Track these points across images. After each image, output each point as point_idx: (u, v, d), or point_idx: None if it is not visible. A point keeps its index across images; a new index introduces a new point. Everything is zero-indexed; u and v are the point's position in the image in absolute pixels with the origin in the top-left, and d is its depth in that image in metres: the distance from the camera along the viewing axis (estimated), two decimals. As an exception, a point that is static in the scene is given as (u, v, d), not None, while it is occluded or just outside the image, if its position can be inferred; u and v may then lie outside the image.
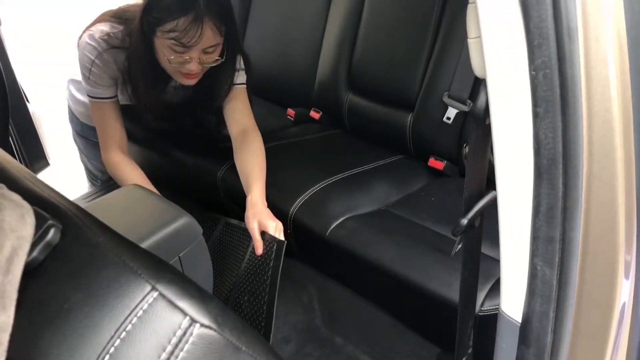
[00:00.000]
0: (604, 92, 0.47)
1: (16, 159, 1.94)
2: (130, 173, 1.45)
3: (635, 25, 0.47)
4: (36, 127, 2.05)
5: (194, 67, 1.32)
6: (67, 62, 1.50)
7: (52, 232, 0.45)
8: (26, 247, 0.43)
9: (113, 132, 1.48)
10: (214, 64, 1.37)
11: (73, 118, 1.88)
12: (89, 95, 1.47)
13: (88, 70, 1.42)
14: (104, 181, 2.07)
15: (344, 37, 1.82)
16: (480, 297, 1.16)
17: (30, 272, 0.44)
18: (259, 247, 1.28)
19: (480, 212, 0.64)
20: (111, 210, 1.25)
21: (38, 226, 0.45)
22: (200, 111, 1.61)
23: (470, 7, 0.54)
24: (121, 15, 1.43)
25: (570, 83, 0.46)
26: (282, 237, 1.28)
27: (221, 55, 1.37)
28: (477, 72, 0.55)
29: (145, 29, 1.32)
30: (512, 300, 0.57)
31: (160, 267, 0.44)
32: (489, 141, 0.61)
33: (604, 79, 0.47)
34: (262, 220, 1.29)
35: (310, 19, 1.93)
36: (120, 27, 1.43)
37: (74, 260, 0.45)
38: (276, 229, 1.28)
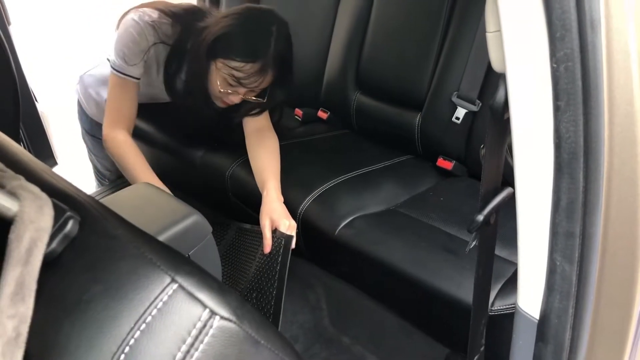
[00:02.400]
0: (626, 85, 0.47)
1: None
2: (134, 157, 1.44)
3: (658, 18, 0.47)
4: (44, 126, 2.05)
5: (237, 99, 1.37)
6: (76, 57, 1.50)
7: (70, 223, 0.45)
8: (45, 238, 0.43)
9: (126, 111, 1.46)
10: (253, 100, 1.41)
11: (82, 116, 1.88)
12: (115, 70, 1.43)
13: (126, 46, 1.40)
14: (111, 180, 2.07)
15: (352, 37, 1.82)
16: (491, 296, 1.16)
17: (49, 264, 0.44)
18: (268, 246, 1.28)
19: (496, 208, 0.64)
20: (120, 208, 1.24)
21: (57, 218, 0.45)
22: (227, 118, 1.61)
23: (488, 1, 0.53)
24: (170, 9, 1.45)
25: (592, 75, 0.46)
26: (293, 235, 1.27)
27: (262, 96, 1.42)
28: (496, 66, 0.54)
29: (211, 54, 1.34)
30: (529, 297, 0.56)
31: (178, 259, 0.44)
32: (506, 137, 0.60)
33: (626, 71, 0.47)
34: (274, 218, 1.29)
35: (318, 19, 1.93)
36: (168, 20, 1.43)
37: (93, 252, 0.44)
38: (288, 227, 1.28)
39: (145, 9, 1.46)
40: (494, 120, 0.55)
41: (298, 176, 1.54)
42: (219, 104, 1.43)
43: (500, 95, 0.53)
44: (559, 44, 0.46)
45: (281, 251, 1.26)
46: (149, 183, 1.37)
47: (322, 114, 1.95)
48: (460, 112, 1.56)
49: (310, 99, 1.98)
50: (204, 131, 1.74)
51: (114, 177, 2.05)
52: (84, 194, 0.52)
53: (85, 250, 0.44)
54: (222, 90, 1.36)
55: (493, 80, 1.51)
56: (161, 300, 0.41)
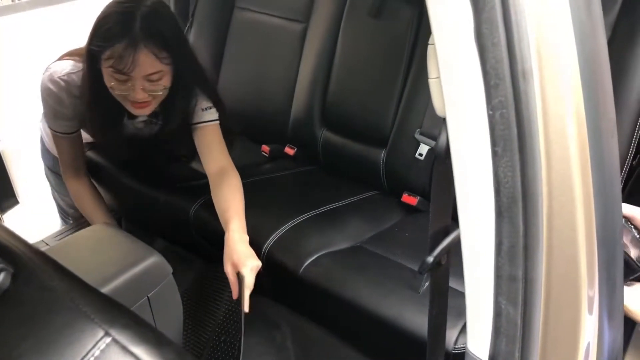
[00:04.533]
0: (560, 130, 0.48)
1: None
2: (83, 202, 1.61)
3: (587, 66, 0.48)
4: (6, 164, 2.01)
5: (138, 95, 1.31)
6: (39, 96, 1.50)
7: (1, 276, 0.43)
8: (-26, 292, 0.42)
9: (70, 160, 1.58)
10: (162, 93, 1.35)
11: (45, 154, 1.86)
12: (49, 127, 1.52)
13: (46, 113, 1.50)
14: (76, 218, 2.03)
15: (318, 75, 1.84)
16: (454, 334, 1.16)
17: (-22, 318, 0.42)
18: (235, 291, 1.23)
19: (446, 250, 0.64)
20: (79, 250, 1.23)
21: (-12, 270, 0.43)
22: (167, 146, 1.60)
23: (430, 48, 0.55)
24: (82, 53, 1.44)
25: (526, 122, 0.47)
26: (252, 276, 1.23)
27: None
28: (438, 111, 0.56)
29: (91, 60, 1.32)
30: (478, 339, 0.56)
31: (115, 312, 0.43)
32: (451, 179, 0.61)
33: (560, 117, 0.48)
34: (235, 261, 1.24)
35: (284, 56, 1.95)
36: (80, 67, 1.43)
37: (25, 305, 0.43)
38: (252, 268, 1.23)
39: (59, 62, 1.48)
40: (439, 163, 0.56)
41: (263, 213, 1.54)
42: (133, 110, 1.38)
43: (442, 140, 0.54)
44: (493, 91, 0.47)
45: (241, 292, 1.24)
46: (108, 224, 1.36)
47: (289, 150, 1.96)
48: (424, 149, 1.58)
49: (277, 135, 1.99)
50: (166, 170, 1.73)
51: (77, 214, 2.02)
52: (21, 242, 0.50)
53: (18, 303, 0.43)
54: (113, 85, 1.31)
55: (444, 120, 1.54)
56: (93, 355, 0.39)
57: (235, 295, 1.24)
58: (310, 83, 1.87)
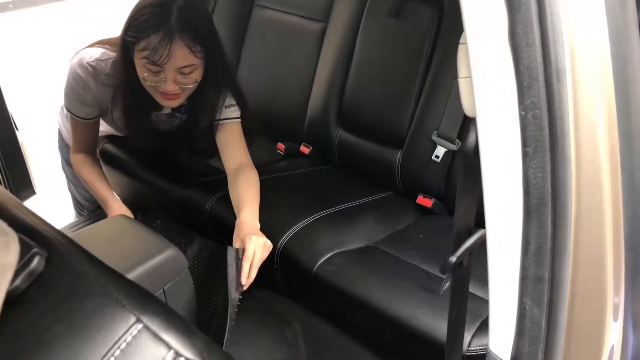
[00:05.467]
0: (591, 132, 0.48)
1: (2, 185, 1.92)
2: (88, 172, 1.59)
3: (621, 67, 0.48)
4: (24, 154, 2.03)
5: (169, 87, 1.31)
6: (60, 88, 1.51)
7: (36, 260, 0.44)
8: (9, 275, 0.42)
9: (81, 141, 1.59)
10: (192, 86, 1.36)
11: (62, 146, 1.87)
12: (67, 109, 1.52)
13: (67, 97, 1.50)
14: (90, 211, 2.05)
15: (335, 74, 1.84)
16: (468, 336, 1.16)
17: (12, 301, 0.43)
18: (244, 276, 1.20)
19: (469, 250, 0.64)
20: (96, 241, 1.24)
21: (22, 254, 0.44)
22: (190, 139, 1.61)
23: (461, 48, 0.55)
24: (116, 42, 1.45)
25: (559, 123, 0.47)
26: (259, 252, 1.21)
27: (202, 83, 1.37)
28: (467, 111, 0.56)
29: (125, 50, 1.33)
30: (500, 340, 0.57)
31: (145, 298, 0.44)
32: (478, 179, 0.61)
33: (591, 119, 0.48)
34: (242, 238, 1.23)
35: (302, 56, 1.96)
36: (113, 54, 1.44)
37: (58, 290, 0.44)
38: (256, 244, 1.20)
39: (91, 48, 1.49)
40: (466, 163, 0.56)
41: (278, 211, 1.54)
42: (162, 101, 1.39)
43: (471, 139, 0.55)
44: (526, 92, 0.47)
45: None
46: (125, 215, 1.37)
47: (305, 149, 1.96)
48: (440, 151, 1.58)
49: (293, 133, 1.99)
50: (183, 164, 1.74)
51: (92, 207, 2.03)
52: (53, 229, 0.51)
53: (51, 287, 0.44)
54: (146, 77, 1.32)
55: (473, 120, 1.53)
56: (125, 340, 0.40)
57: (244, 281, 1.20)
58: (327, 82, 1.87)
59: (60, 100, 1.59)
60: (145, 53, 1.27)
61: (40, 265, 0.44)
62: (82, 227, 2.01)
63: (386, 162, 1.72)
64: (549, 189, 0.48)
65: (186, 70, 1.31)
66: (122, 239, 1.24)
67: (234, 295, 1.20)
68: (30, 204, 2.04)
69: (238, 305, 1.20)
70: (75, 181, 1.94)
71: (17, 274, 0.43)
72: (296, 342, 1.56)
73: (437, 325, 1.19)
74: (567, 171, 0.48)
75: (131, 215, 1.47)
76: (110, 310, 0.42)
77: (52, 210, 2.32)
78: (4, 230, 0.44)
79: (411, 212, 1.64)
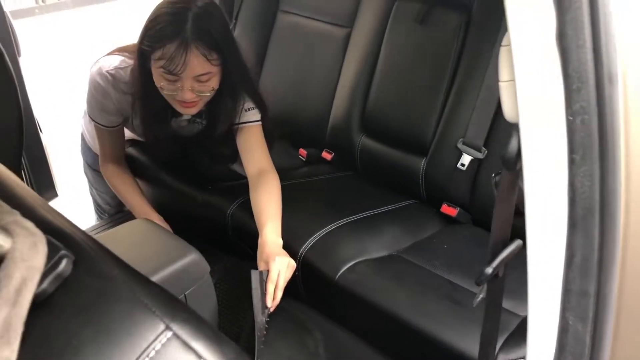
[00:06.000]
0: (643, 140, 0.46)
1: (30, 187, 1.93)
2: (121, 184, 1.61)
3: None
4: (47, 157, 2.05)
5: (186, 95, 1.31)
6: (83, 91, 1.52)
7: (64, 262, 0.43)
8: (36, 277, 0.41)
9: (109, 150, 1.60)
10: (209, 94, 1.35)
11: (85, 150, 1.88)
12: (91, 118, 1.53)
13: (89, 104, 1.51)
14: (111, 214, 2.05)
15: (359, 80, 1.83)
16: (495, 350, 1.12)
17: (39, 304, 0.42)
18: (270, 298, 1.21)
19: (505, 261, 0.62)
20: (118, 244, 1.22)
21: (50, 256, 0.43)
22: (210, 145, 1.60)
23: (503, 50, 0.53)
24: (134, 49, 1.45)
25: (609, 129, 0.44)
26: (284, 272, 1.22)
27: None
28: (508, 116, 0.53)
29: (141, 58, 1.33)
30: (539, 356, 0.54)
31: (174, 305, 0.42)
32: (516, 187, 0.59)
33: (643, 126, 0.45)
34: (265, 260, 1.24)
35: (326, 61, 1.94)
36: (132, 62, 1.44)
37: (86, 293, 0.42)
38: (279, 265, 1.21)
39: (110, 56, 1.50)
40: (507, 170, 0.54)
41: (300, 218, 1.52)
42: (181, 109, 1.39)
43: (512, 145, 0.52)
44: (575, 96, 0.45)
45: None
46: (147, 219, 1.36)
47: (327, 155, 1.95)
48: (466, 159, 1.55)
49: (315, 139, 1.98)
50: (205, 169, 1.73)
51: (113, 211, 2.04)
52: (80, 231, 0.50)
53: (78, 291, 0.42)
54: (163, 85, 1.31)
55: (500, 127, 1.51)
56: (154, 348, 0.38)
57: (270, 303, 1.22)
58: (351, 88, 1.85)
59: (84, 104, 1.60)
60: (162, 62, 1.26)
61: (68, 268, 0.43)
62: (103, 230, 2.02)
63: (410, 169, 1.69)
64: (597, 198, 0.46)
65: (203, 78, 1.30)
66: (144, 243, 1.23)
67: (260, 319, 1.20)
68: (52, 206, 2.05)
69: (266, 327, 1.19)
70: (96, 185, 1.95)
71: (44, 276, 0.42)
72: (317, 350, 1.53)
73: (463, 337, 1.16)
74: (616, 180, 0.46)
75: (168, 228, 1.46)
76: (140, 316, 0.40)
77: (73, 213, 2.33)
78: (32, 231, 0.43)
79: (435, 221, 1.61)
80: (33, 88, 1.92)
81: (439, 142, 1.63)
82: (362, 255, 1.41)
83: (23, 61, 1.93)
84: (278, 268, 1.21)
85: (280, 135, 1.92)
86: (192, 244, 1.17)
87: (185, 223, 1.81)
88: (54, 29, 6.05)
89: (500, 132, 1.51)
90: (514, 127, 0.52)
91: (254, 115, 1.49)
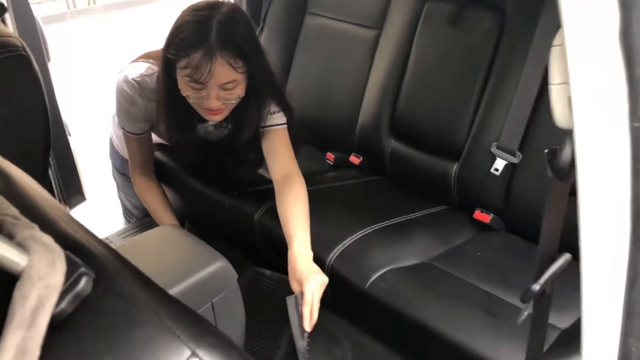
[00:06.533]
0: None
1: (54, 191, 1.94)
2: (149, 198, 1.63)
3: None
4: (75, 161, 2.05)
5: (212, 103, 1.29)
6: (112, 96, 1.52)
7: (83, 281, 0.40)
8: (54, 297, 0.38)
9: (138, 160, 1.61)
10: (235, 101, 1.34)
11: (113, 154, 1.88)
12: (119, 126, 1.54)
13: (118, 113, 1.51)
14: (139, 218, 2.05)
15: (389, 83, 1.79)
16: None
17: (57, 326, 0.39)
18: (306, 322, 1.19)
19: (553, 277, 0.57)
20: (144, 251, 1.21)
21: (69, 274, 0.40)
22: (236, 150, 1.58)
23: (554, 50, 0.49)
24: (159, 55, 1.44)
25: (680, 138, 0.40)
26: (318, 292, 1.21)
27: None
28: (560, 121, 0.49)
29: (167, 66, 1.32)
30: (595, 383, 0.49)
31: (200, 328, 0.39)
32: (566, 198, 0.54)
33: None
34: (297, 279, 1.22)
35: (355, 64, 1.91)
36: (157, 69, 1.43)
37: (106, 315, 0.39)
38: (313, 286, 1.19)
39: (136, 63, 1.49)
40: (558, 180, 0.50)
41: (327, 224, 1.49)
42: (206, 116, 1.37)
43: (566, 154, 0.48)
44: (641, 100, 0.40)
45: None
46: (174, 225, 1.35)
47: (355, 159, 1.91)
48: (500, 164, 1.50)
49: (343, 143, 1.94)
50: (232, 174, 1.71)
51: (141, 215, 2.03)
52: (102, 244, 0.47)
53: (99, 312, 0.40)
54: (189, 94, 1.30)
55: (536, 131, 1.45)
56: (178, 377, 0.35)
57: (305, 326, 1.20)
58: (380, 91, 1.81)
59: (112, 108, 1.60)
60: (187, 71, 1.25)
61: (88, 287, 0.40)
62: (131, 234, 2.01)
63: (441, 174, 1.64)
64: (665, 214, 0.42)
65: (229, 86, 1.28)
66: (171, 249, 1.21)
67: (301, 344, 1.18)
68: (80, 210, 2.06)
69: (308, 350, 1.18)
70: (124, 189, 1.95)
71: (62, 296, 0.39)
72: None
73: (499, 351, 1.11)
74: (687, 194, 0.41)
75: None
76: (163, 341, 0.37)
77: (101, 217, 2.34)
78: (50, 247, 0.40)
79: (467, 228, 1.56)
80: (63, 92, 1.93)
81: (472, 146, 1.58)
82: (393, 263, 1.36)
83: (54, 65, 1.94)
84: (312, 289, 1.19)
85: (307, 138, 1.89)
86: (219, 251, 1.15)
87: (212, 229, 1.79)
88: (85, 33, 6.13)
89: (536, 136, 1.46)
90: (567, 135, 0.48)
91: (280, 118, 1.46)
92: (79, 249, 0.44)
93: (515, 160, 1.47)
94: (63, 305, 0.39)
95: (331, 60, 1.99)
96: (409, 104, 1.75)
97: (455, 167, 1.61)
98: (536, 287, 0.55)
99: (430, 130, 1.70)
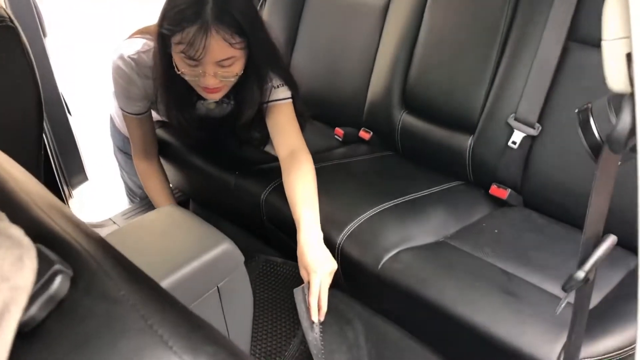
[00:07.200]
0: None
1: (55, 171, 1.88)
2: (151, 186, 1.60)
3: None
4: (76, 141, 2.00)
5: (209, 81, 1.23)
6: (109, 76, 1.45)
7: (58, 280, 0.34)
8: (22, 300, 0.32)
9: (140, 143, 1.55)
10: (234, 79, 1.27)
11: (115, 133, 1.82)
12: (120, 107, 1.47)
13: (116, 93, 1.45)
14: (142, 197, 2.00)
15: (400, 53, 1.70)
16: (557, 348, 1.02)
17: (26, 335, 0.33)
18: (314, 312, 1.17)
19: (597, 263, 0.51)
20: (147, 233, 1.16)
21: (41, 272, 0.34)
22: (239, 128, 1.52)
23: (609, 1, 0.41)
24: (155, 30, 1.37)
25: None
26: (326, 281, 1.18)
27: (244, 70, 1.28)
28: (616, 84, 0.42)
29: (162, 42, 1.25)
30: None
31: (198, 336, 0.33)
32: (615, 173, 0.48)
33: None
34: (306, 267, 1.20)
35: (363, 34, 1.82)
36: (151, 47, 1.37)
37: (86, 321, 0.33)
38: (321, 275, 1.17)
39: (131, 40, 1.42)
40: (613, 151, 0.43)
41: (337, 202, 1.42)
42: (205, 95, 1.31)
43: (624, 122, 0.41)
44: None
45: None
46: (178, 206, 1.29)
47: (365, 134, 1.84)
48: (518, 136, 1.42)
49: (352, 118, 1.87)
50: (237, 152, 1.65)
51: (144, 194, 1.98)
52: (84, 234, 0.40)
53: (76, 318, 0.33)
54: (185, 72, 1.24)
55: (556, 101, 1.38)
56: (170, 398, 0.29)
57: (313, 317, 1.19)
58: (390, 62, 1.73)
59: (111, 86, 1.53)
60: (182, 47, 1.18)
61: (64, 288, 0.34)
62: (135, 214, 1.97)
63: (456, 148, 1.57)
64: None
65: (225, 63, 1.21)
66: (175, 231, 1.15)
67: (312, 337, 1.16)
68: (82, 190, 2.00)
69: (322, 341, 1.17)
70: (127, 168, 1.89)
71: (32, 299, 0.33)
72: (357, 342, 1.45)
73: (519, 333, 1.05)
74: None
75: None
76: (154, 352, 0.31)
77: (104, 198, 2.29)
78: (17, 240, 0.34)
79: (484, 204, 1.49)
80: (61, 70, 1.86)
81: (488, 118, 1.50)
82: (406, 242, 1.30)
83: (51, 42, 1.87)
84: (319, 280, 1.16)
85: (315, 114, 1.82)
86: (225, 233, 1.10)
87: (218, 210, 1.74)
88: (83, 5, 6.01)
89: (557, 107, 1.38)
90: (625, 100, 0.41)
91: (284, 92, 1.39)
92: (54, 240, 0.38)
93: (534, 132, 1.40)
94: (34, 310, 0.33)
95: (338, 31, 1.91)
96: (421, 75, 1.67)
97: (470, 141, 1.54)
98: (581, 274, 0.49)
99: (443, 101, 1.62)
